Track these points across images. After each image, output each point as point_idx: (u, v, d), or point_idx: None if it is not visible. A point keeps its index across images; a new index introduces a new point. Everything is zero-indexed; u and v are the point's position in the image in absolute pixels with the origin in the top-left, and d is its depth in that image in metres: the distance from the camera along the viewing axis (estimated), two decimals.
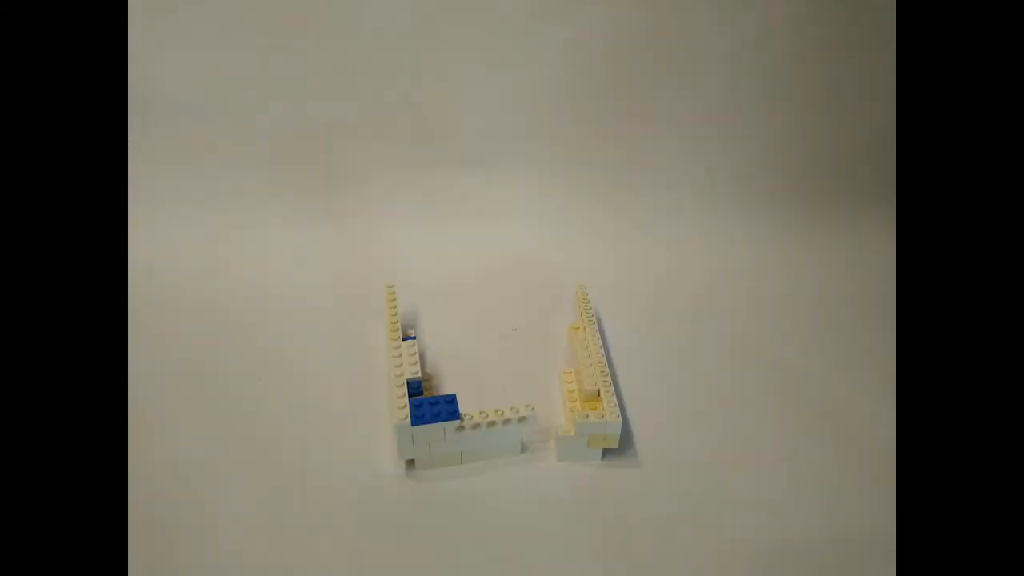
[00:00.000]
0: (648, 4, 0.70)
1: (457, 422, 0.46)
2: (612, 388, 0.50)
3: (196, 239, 0.70)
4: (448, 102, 0.74)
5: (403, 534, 0.45)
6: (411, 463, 0.48)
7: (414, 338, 0.55)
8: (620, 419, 0.47)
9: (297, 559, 0.43)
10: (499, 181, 0.76)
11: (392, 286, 0.59)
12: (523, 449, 0.49)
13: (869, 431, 0.53)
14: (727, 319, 0.66)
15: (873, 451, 0.51)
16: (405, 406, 0.46)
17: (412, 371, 0.49)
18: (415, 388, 0.49)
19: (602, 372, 0.50)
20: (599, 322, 0.63)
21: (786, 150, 0.78)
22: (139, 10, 0.64)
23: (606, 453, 0.49)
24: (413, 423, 0.46)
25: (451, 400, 0.47)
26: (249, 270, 0.69)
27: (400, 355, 0.50)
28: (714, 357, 0.61)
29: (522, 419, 0.48)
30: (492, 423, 0.47)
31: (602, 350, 0.53)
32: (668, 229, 0.77)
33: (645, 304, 0.68)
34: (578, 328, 0.58)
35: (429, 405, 0.47)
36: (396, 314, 0.55)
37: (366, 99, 0.73)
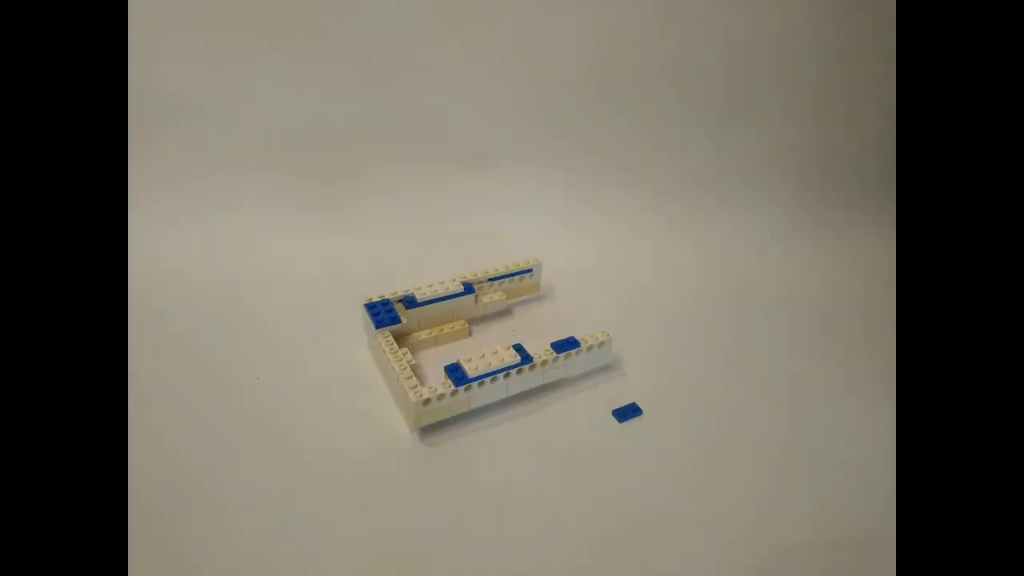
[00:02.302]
0: (648, 5, 0.71)
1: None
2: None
3: (195, 238, 0.69)
4: (447, 102, 0.74)
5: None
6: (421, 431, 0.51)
7: (417, 302, 0.58)
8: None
9: (309, 546, 0.43)
10: (497, 180, 0.77)
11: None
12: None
13: (869, 431, 0.53)
14: (725, 318, 0.66)
15: (873, 451, 0.51)
16: (416, 385, 0.49)
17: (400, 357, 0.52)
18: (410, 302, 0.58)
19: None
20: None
21: (785, 150, 0.79)
22: (139, 10, 0.63)
23: None
24: (459, 383, 0.50)
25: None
26: (248, 268, 0.68)
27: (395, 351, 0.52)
28: (711, 355, 0.61)
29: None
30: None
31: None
32: (665, 228, 0.77)
33: (641, 302, 0.68)
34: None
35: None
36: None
37: (365, 99, 0.72)
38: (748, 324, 0.66)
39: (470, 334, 0.62)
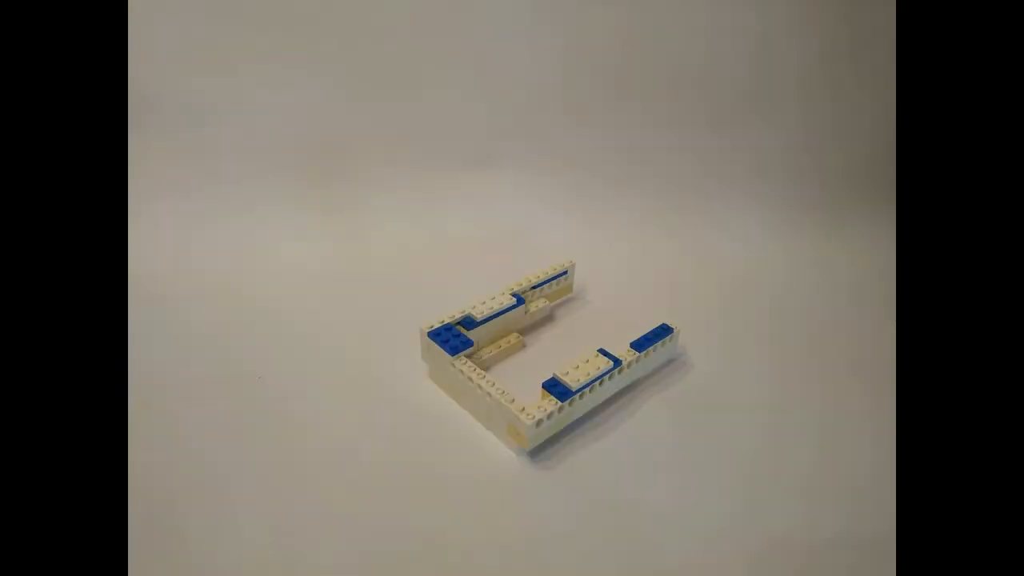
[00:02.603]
0: (648, 6, 0.72)
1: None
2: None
3: (195, 238, 0.69)
4: (448, 102, 0.74)
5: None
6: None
7: (477, 321, 0.56)
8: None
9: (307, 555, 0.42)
10: (497, 181, 0.77)
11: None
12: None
13: (869, 431, 0.52)
14: (724, 318, 0.67)
15: (873, 450, 0.50)
16: (523, 408, 0.47)
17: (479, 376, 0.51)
18: (469, 323, 0.56)
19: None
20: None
21: (785, 150, 0.81)
22: (139, 10, 0.63)
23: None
24: (564, 398, 0.48)
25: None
26: (249, 268, 0.67)
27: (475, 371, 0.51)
28: (711, 354, 0.61)
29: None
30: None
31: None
32: (664, 228, 0.78)
33: (639, 302, 0.67)
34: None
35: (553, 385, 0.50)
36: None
37: (366, 99, 0.72)
38: (747, 324, 0.66)
39: (524, 346, 0.61)
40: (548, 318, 0.65)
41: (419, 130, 0.75)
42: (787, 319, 0.67)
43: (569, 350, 0.54)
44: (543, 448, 0.50)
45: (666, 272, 0.73)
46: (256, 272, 0.67)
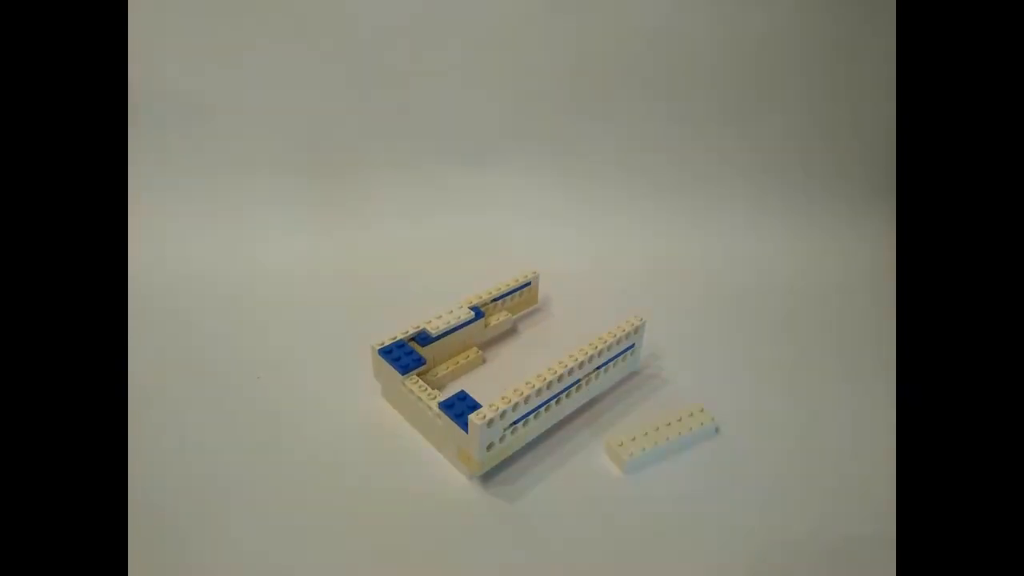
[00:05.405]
0: (647, 5, 0.71)
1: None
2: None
3: (195, 237, 0.69)
4: (449, 102, 0.73)
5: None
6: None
7: (432, 337, 0.54)
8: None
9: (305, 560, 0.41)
10: (497, 180, 0.76)
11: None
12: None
13: (869, 431, 0.52)
14: (723, 318, 0.66)
15: (873, 450, 0.50)
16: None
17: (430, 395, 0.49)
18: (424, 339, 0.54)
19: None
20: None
21: (785, 149, 0.79)
22: (139, 10, 0.64)
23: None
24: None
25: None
26: (248, 268, 0.68)
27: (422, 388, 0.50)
28: (709, 355, 0.60)
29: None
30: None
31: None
32: (664, 228, 0.77)
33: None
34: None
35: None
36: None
37: (365, 98, 0.72)
38: (746, 324, 0.65)
39: (484, 361, 0.59)
40: (511, 331, 0.63)
41: (408, 132, 0.75)
42: (785, 319, 0.67)
43: (531, 365, 0.52)
44: (498, 471, 0.48)
45: (637, 281, 0.71)
46: (254, 270, 0.68)
